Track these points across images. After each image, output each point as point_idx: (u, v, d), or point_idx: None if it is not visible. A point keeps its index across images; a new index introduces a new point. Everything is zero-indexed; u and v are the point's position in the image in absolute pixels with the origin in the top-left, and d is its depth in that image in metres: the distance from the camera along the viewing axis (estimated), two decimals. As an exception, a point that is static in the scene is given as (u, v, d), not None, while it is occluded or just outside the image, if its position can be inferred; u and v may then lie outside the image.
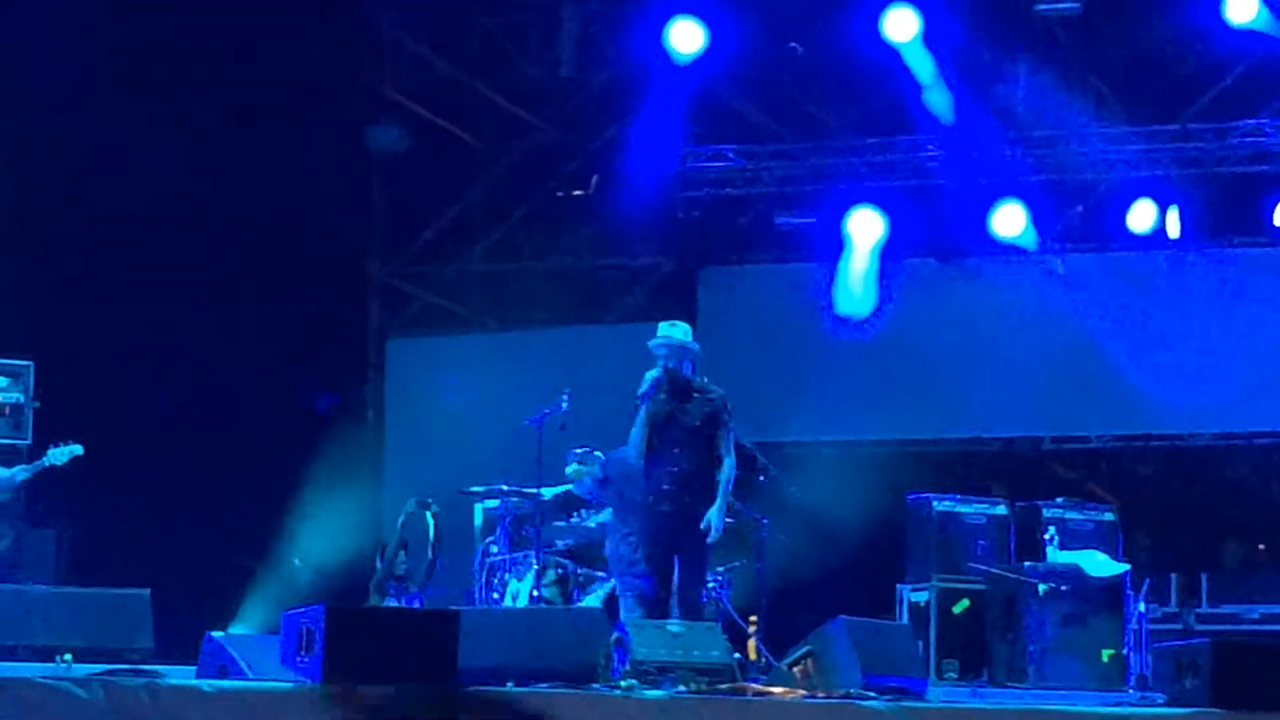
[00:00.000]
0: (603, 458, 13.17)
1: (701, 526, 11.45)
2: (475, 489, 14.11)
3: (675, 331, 11.77)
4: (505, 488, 13.61)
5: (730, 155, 17.86)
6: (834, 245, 17.35)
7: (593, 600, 12.75)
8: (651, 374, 11.61)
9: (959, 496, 14.02)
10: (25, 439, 14.77)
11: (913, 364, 16.93)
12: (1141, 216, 16.69)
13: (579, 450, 13.33)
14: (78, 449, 13.68)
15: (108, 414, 15.91)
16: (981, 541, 13.76)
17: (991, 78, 16.75)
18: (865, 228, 17.29)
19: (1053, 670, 12.81)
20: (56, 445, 13.69)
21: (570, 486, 13.61)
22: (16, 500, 14.25)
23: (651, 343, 11.77)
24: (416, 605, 14.09)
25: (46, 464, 13.73)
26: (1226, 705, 9.10)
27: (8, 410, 14.72)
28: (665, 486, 11.56)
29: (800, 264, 17.75)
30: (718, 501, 11.50)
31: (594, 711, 8.30)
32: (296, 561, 15.78)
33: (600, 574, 13.02)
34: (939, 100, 16.79)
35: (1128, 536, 13.95)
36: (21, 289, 15.32)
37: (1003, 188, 16.99)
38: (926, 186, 17.38)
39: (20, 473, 13.85)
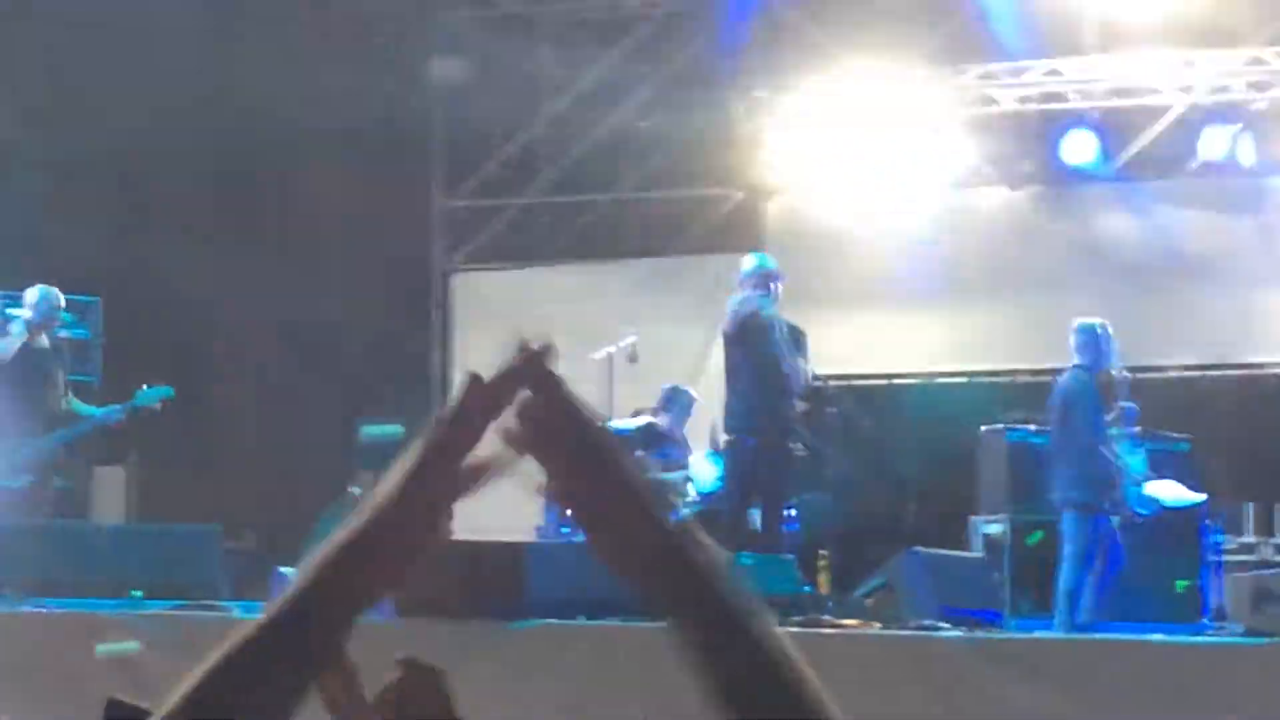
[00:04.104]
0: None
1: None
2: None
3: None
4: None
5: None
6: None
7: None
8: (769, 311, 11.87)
9: (1032, 427, 13.86)
10: (92, 376, 14.73)
11: (985, 294, 16.78)
12: (1214, 143, 16.46)
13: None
14: (169, 391, 13.11)
15: (175, 351, 15.94)
16: (1055, 472, 13.59)
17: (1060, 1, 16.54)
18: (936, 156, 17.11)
19: (1128, 601, 12.67)
20: (148, 386, 13.29)
21: (644, 422, 13.57)
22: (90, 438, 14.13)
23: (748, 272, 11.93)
24: None
25: (139, 405, 13.21)
26: (1306, 635, 9.00)
27: (75, 347, 14.64)
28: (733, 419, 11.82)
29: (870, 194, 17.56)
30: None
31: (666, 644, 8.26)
32: (356, 491, 15.77)
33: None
34: (1007, 26, 16.59)
35: (1203, 466, 13.77)
36: (89, 225, 15.33)
37: (1073, 115, 16.80)
38: (995, 114, 17.19)
39: (114, 414, 13.12)
